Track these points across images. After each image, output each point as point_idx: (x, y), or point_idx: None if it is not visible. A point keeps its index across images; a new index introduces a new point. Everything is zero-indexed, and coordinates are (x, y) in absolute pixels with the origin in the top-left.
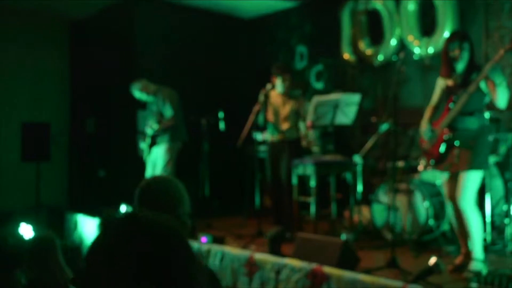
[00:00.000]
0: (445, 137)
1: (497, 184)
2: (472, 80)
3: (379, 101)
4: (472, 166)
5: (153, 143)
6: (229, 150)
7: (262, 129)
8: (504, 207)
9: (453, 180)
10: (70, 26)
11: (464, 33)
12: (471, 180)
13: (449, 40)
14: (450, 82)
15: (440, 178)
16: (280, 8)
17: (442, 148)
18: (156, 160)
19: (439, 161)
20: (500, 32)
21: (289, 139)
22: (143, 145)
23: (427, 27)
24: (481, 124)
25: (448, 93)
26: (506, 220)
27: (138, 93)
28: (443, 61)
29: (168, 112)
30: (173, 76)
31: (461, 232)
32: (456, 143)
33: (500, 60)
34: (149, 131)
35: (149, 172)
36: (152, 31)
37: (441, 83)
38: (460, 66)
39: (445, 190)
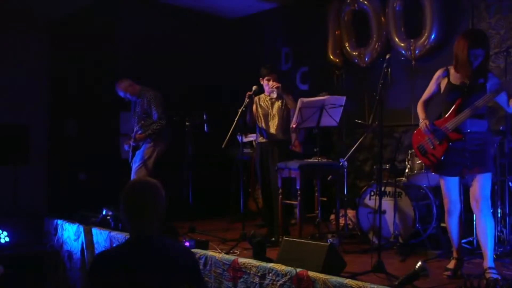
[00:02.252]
0: (454, 140)
1: None
2: (479, 84)
3: (365, 103)
4: (488, 169)
5: (137, 147)
6: (213, 152)
7: (247, 131)
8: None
9: (461, 184)
10: (50, 25)
11: (485, 37)
12: (488, 182)
13: (473, 44)
14: (456, 81)
15: (428, 180)
16: (265, 9)
17: (449, 151)
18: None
19: (444, 165)
20: (487, 34)
21: (278, 141)
22: (128, 148)
23: (414, 28)
24: (489, 125)
25: (453, 91)
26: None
27: (122, 93)
28: (462, 62)
29: (154, 115)
30: (156, 76)
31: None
32: (468, 146)
33: None
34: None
35: (133, 176)
36: (135, 30)
37: (440, 77)
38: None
39: (446, 194)
